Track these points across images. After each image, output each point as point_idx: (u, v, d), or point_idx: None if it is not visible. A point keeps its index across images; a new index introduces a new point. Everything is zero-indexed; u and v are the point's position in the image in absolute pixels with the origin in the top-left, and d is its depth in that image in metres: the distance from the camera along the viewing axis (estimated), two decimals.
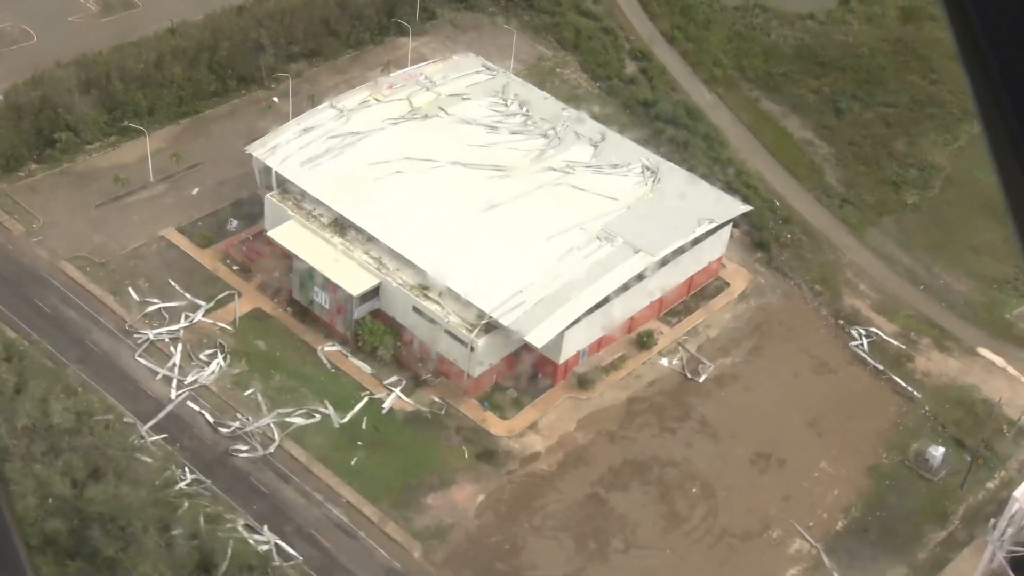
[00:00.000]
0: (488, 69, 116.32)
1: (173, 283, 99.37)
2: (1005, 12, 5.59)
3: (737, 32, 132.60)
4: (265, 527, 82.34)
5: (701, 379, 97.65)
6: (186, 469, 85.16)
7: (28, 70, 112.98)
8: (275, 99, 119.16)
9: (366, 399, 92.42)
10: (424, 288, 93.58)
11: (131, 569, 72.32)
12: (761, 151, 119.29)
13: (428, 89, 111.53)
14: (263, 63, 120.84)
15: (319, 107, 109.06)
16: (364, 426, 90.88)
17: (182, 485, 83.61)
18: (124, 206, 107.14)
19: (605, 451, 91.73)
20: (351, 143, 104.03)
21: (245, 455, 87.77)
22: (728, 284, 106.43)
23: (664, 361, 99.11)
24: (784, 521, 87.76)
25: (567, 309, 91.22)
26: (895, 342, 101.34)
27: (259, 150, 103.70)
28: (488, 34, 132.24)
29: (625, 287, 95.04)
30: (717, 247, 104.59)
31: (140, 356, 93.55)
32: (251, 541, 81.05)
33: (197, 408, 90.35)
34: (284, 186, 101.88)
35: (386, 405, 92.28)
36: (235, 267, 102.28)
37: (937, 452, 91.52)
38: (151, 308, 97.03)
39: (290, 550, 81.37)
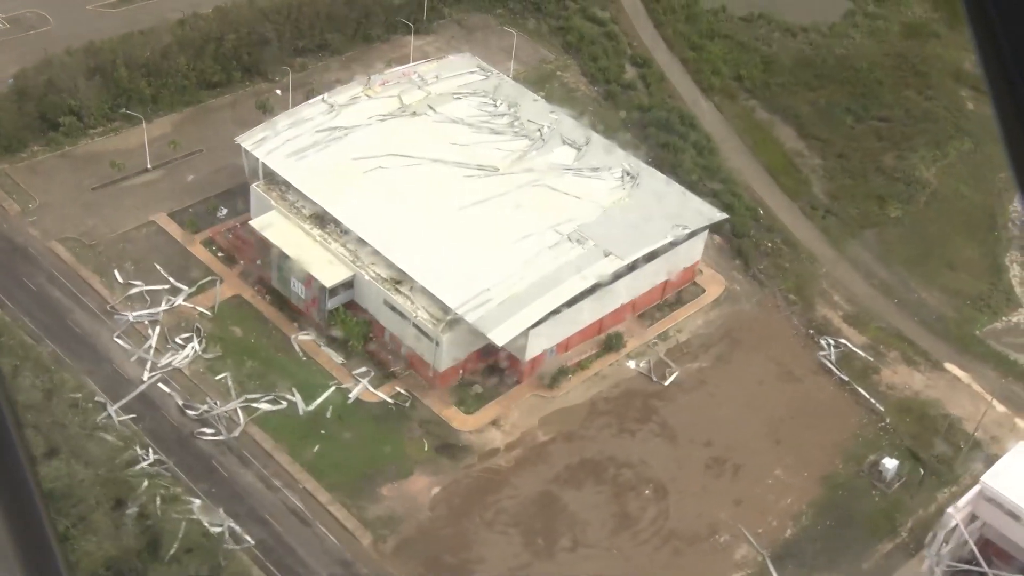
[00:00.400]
0: (482, 70, 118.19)
1: (159, 267, 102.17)
2: None
3: (739, 42, 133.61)
4: (220, 509, 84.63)
5: (666, 383, 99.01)
6: (149, 450, 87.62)
7: (41, 55, 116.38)
8: (278, 91, 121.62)
9: (333, 388, 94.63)
10: (397, 282, 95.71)
11: (79, 546, 74.63)
12: (751, 160, 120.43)
13: (420, 87, 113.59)
14: (268, 56, 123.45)
15: (311, 101, 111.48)
16: (329, 415, 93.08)
17: (143, 465, 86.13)
18: (119, 190, 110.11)
19: (564, 450, 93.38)
20: (338, 138, 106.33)
21: (210, 438, 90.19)
22: (703, 290, 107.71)
23: (632, 363, 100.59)
24: (733, 526, 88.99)
25: (532, 309, 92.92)
26: (863, 354, 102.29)
27: (248, 141, 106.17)
28: (494, 35, 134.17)
29: (593, 289, 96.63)
30: (693, 253, 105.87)
31: (118, 337, 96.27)
32: (205, 523, 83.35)
33: (168, 390, 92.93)
34: (271, 177, 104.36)
35: (352, 395, 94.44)
36: (220, 254, 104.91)
37: (891, 464, 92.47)
38: (134, 290, 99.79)
39: (243, 533, 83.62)
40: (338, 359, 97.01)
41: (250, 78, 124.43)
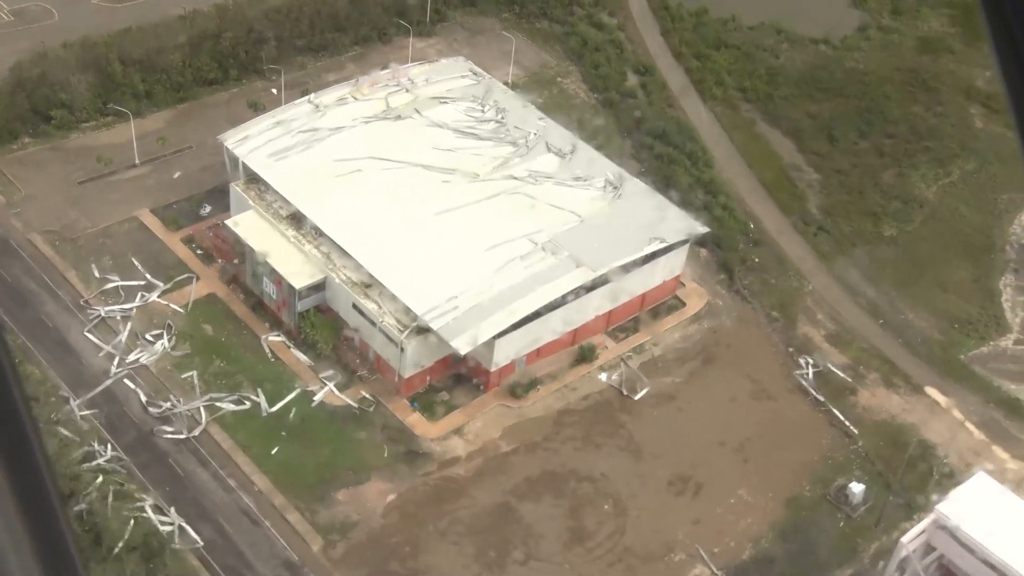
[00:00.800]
0: (474, 74, 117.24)
1: (136, 263, 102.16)
2: None
3: (745, 52, 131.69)
4: (172, 508, 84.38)
5: (636, 397, 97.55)
6: (108, 446, 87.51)
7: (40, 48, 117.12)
8: (273, 91, 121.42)
9: (298, 391, 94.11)
10: (367, 286, 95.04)
11: None
12: (747, 173, 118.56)
13: (408, 90, 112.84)
14: (264, 55, 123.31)
15: (297, 101, 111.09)
16: (292, 417, 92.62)
17: (100, 461, 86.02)
18: (106, 184, 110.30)
19: (525, 461, 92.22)
20: (320, 139, 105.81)
21: (170, 436, 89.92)
22: (684, 303, 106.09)
23: (603, 376, 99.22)
24: (689, 546, 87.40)
25: (498, 318, 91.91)
26: (842, 374, 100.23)
27: (231, 139, 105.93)
28: (496, 39, 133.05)
29: (564, 300, 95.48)
30: (673, 266, 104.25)
31: (89, 331, 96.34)
32: (155, 521, 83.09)
33: (133, 387, 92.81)
34: (252, 176, 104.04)
35: (317, 398, 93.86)
36: (199, 252, 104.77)
37: (857, 488, 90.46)
38: (109, 285, 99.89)
39: (193, 533, 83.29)
40: (307, 361, 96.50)
41: (247, 76, 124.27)
